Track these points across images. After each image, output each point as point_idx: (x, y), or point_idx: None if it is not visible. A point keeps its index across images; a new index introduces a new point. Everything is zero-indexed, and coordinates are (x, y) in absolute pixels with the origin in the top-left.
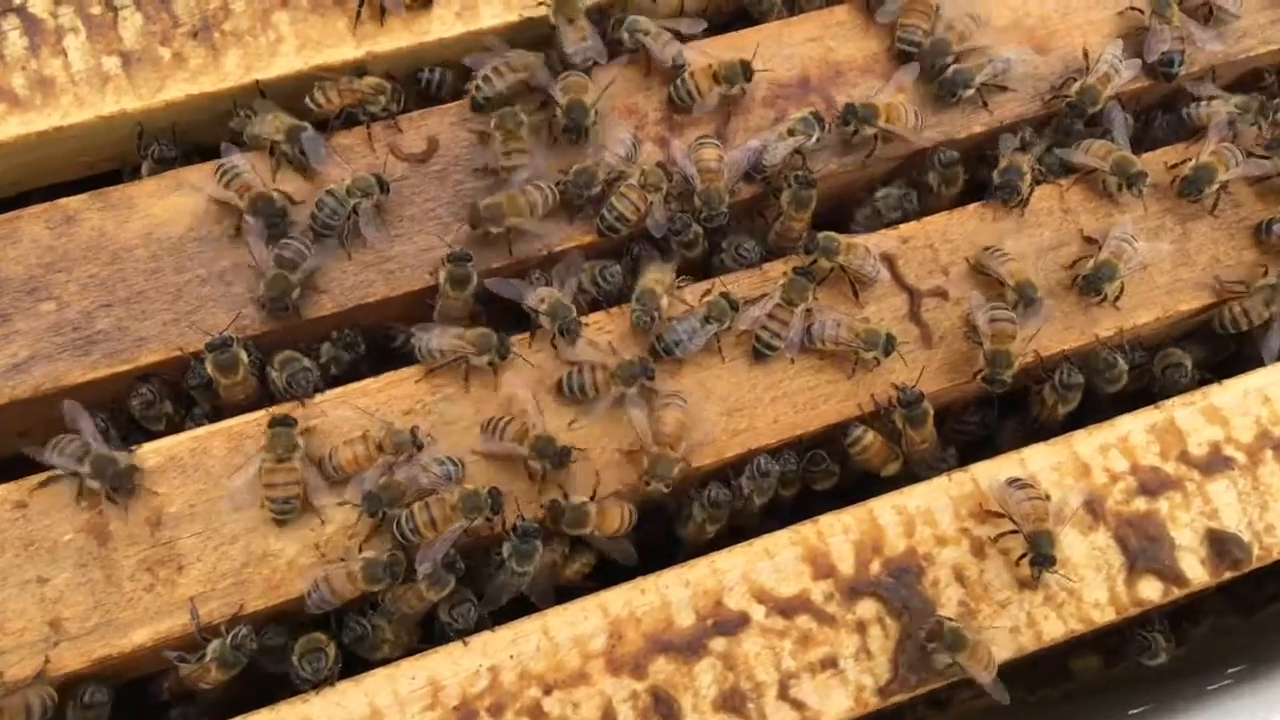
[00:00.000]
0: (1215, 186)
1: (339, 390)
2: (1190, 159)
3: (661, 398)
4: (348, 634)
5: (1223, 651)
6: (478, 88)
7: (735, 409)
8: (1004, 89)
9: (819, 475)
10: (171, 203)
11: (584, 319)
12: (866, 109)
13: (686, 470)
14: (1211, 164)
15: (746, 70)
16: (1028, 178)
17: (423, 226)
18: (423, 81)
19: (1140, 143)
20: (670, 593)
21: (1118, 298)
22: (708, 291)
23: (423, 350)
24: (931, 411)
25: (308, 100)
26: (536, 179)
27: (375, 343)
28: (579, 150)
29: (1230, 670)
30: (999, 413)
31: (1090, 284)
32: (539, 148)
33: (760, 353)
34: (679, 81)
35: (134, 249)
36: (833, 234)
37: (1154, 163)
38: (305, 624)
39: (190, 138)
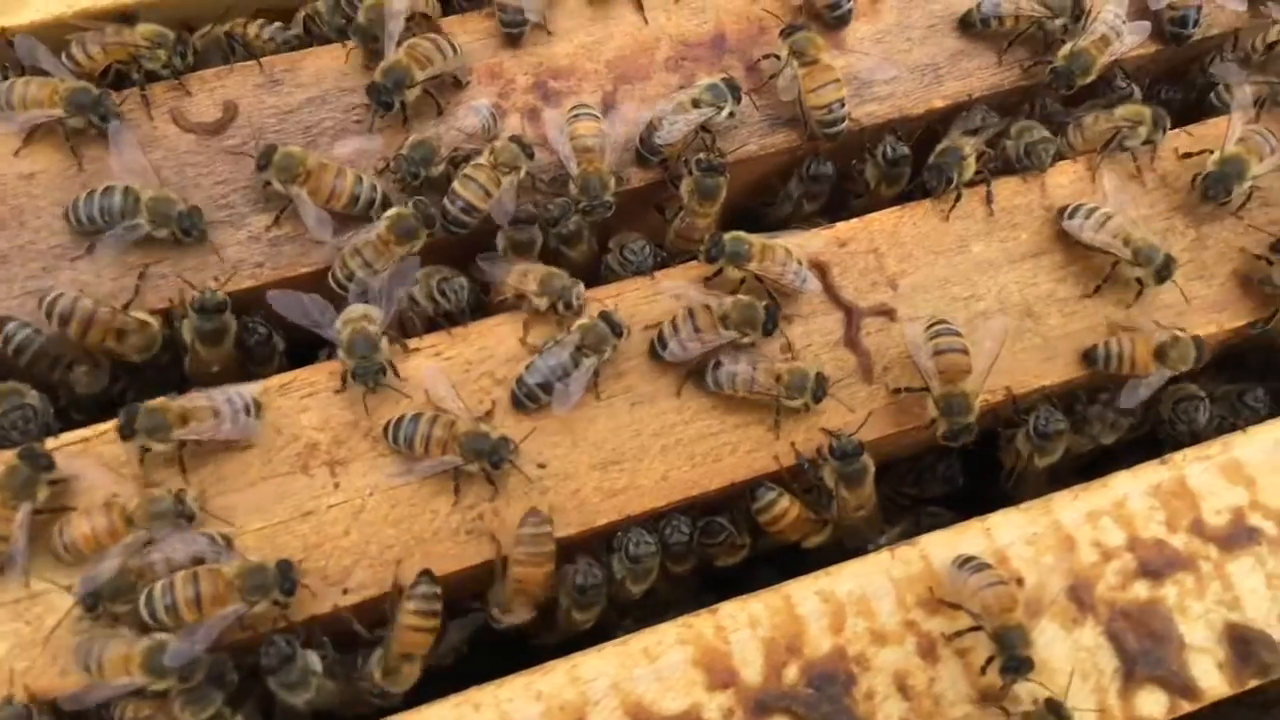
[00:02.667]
0: (1247, 184)
1: (89, 430)
2: (1208, 150)
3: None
4: None
5: None
6: None
7: (612, 461)
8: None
9: (719, 549)
10: None
11: (417, 341)
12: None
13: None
14: (1240, 155)
15: None
16: (969, 162)
17: (210, 217)
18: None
19: None
20: (514, 709)
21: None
22: (563, 310)
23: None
24: (872, 468)
25: (63, 58)
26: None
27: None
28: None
29: None
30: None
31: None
32: None
33: (654, 350)
34: None
35: None
36: (742, 234)
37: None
38: None
39: None
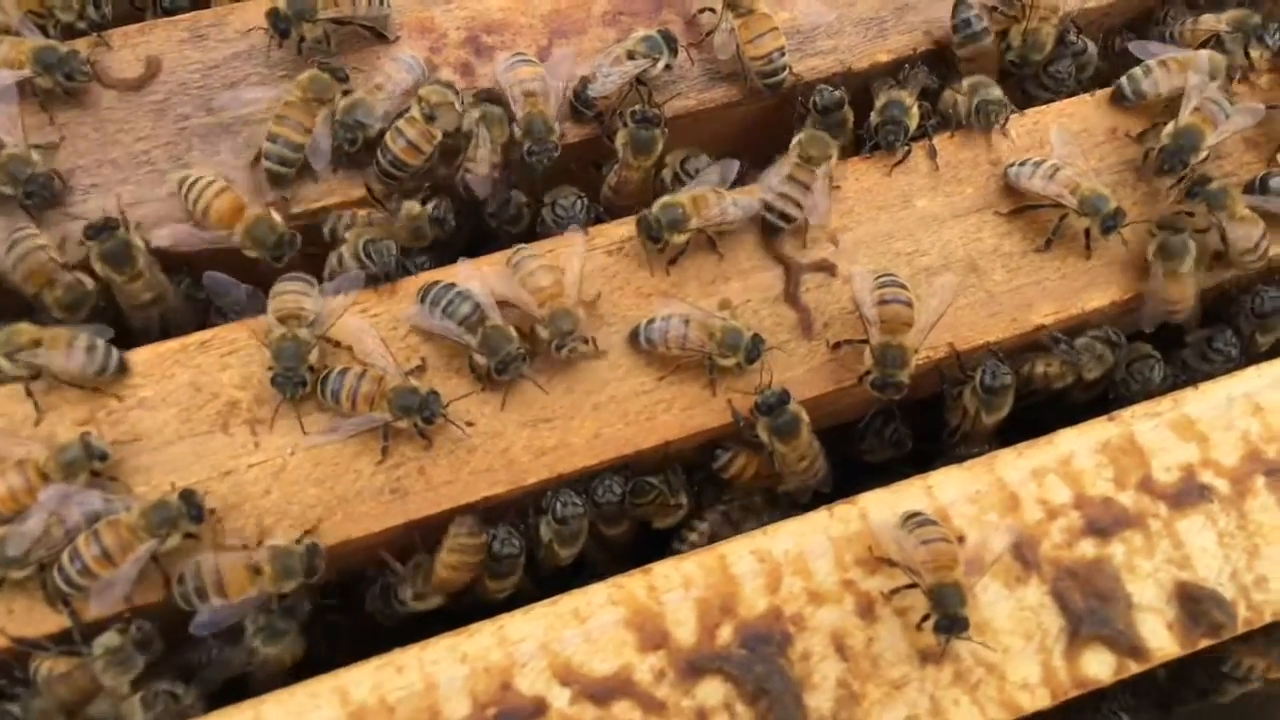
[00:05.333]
0: (1203, 154)
1: None
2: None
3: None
4: None
5: None
6: None
7: (542, 419)
8: None
9: (650, 509)
10: None
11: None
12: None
13: None
14: (1195, 126)
15: None
16: (913, 114)
17: (129, 175)
18: None
19: (1108, 80)
20: (439, 671)
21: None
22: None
23: None
24: (805, 419)
25: None
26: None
27: None
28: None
29: None
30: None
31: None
32: None
33: (774, 227)
34: None
35: None
36: (668, 198)
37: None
38: None
39: None
